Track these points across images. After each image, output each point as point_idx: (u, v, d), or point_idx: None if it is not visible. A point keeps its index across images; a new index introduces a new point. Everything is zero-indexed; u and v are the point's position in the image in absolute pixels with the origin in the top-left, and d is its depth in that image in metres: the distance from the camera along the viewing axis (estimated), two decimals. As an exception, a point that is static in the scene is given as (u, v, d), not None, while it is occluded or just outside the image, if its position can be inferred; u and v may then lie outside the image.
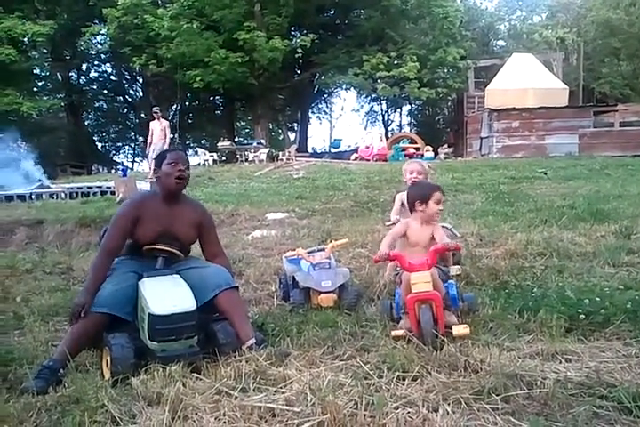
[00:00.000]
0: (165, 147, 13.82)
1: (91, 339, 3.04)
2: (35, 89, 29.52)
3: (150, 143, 14.09)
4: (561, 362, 2.72)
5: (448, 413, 2.22)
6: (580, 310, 3.27)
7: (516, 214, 7.40)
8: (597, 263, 4.75)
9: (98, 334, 3.00)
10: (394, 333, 3.15)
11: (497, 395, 2.35)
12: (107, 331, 2.98)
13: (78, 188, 13.91)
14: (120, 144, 41.27)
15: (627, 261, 4.79)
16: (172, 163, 3.31)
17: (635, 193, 8.79)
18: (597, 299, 3.39)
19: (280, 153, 23.00)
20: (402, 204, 4.50)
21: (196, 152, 28.65)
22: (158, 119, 14.18)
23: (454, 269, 4.13)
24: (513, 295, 3.82)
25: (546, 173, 12.81)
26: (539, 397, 2.33)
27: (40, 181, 14.51)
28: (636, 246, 5.18)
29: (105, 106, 37.76)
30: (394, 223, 4.43)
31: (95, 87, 35.48)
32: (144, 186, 11.89)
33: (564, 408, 2.21)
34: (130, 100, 36.80)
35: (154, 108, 15.05)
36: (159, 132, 13.97)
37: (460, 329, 3.06)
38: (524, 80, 21.43)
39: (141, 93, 35.07)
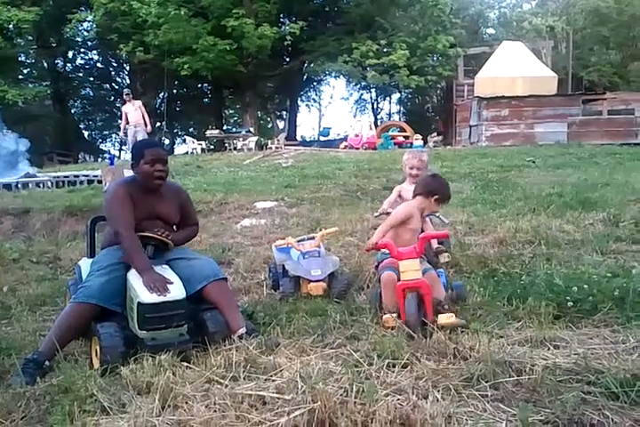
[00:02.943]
0: (148, 129, 13.63)
1: (79, 331, 3.03)
2: (20, 76, 29.20)
3: (124, 127, 13.81)
4: (549, 349, 2.74)
5: (438, 400, 2.24)
6: (568, 298, 3.29)
7: (505, 202, 7.42)
8: (585, 251, 4.78)
9: (86, 326, 2.99)
10: (385, 317, 3.16)
11: (486, 382, 2.37)
12: (95, 321, 2.96)
13: (65, 176, 13.80)
14: (107, 132, 41.02)
15: (614, 248, 4.82)
16: (151, 162, 3.28)
17: (623, 181, 8.83)
18: (585, 286, 3.41)
19: (269, 141, 22.92)
20: (399, 196, 4.50)
21: (184, 140, 28.47)
22: (130, 101, 13.92)
23: (443, 257, 4.15)
24: (502, 283, 3.84)
25: (534, 162, 12.84)
26: (528, 383, 2.35)
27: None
28: (624, 234, 5.21)
29: (91, 94, 37.43)
30: (382, 213, 4.43)
31: (81, 75, 35.14)
32: (131, 174, 11.79)
33: (553, 395, 2.23)
34: (116, 87, 36.42)
35: (125, 90, 14.77)
36: (134, 113, 13.69)
37: (444, 318, 3.07)
38: (514, 68, 21.42)
39: (128, 81, 34.72)
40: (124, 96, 14.22)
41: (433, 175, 3.91)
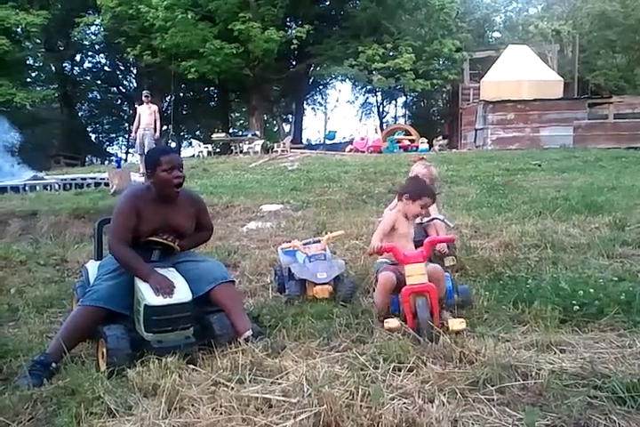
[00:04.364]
0: (157, 135, 13.65)
1: (86, 333, 3.05)
2: (28, 79, 29.35)
3: (137, 128, 13.81)
4: (555, 353, 2.74)
5: (444, 403, 2.24)
6: (574, 302, 3.29)
7: (511, 206, 7.42)
8: (591, 255, 4.77)
9: (93, 329, 3.00)
10: (387, 325, 3.15)
11: (492, 386, 2.37)
12: (102, 323, 2.97)
13: (72, 179, 13.84)
14: (114, 135, 41.11)
15: (620, 252, 4.81)
16: (169, 169, 3.18)
17: (629, 185, 8.82)
18: (591, 290, 3.41)
19: (275, 145, 22.92)
20: None
21: (191, 143, 28.58)
22: (147, 103, 13.91)
23: (448, 260, 4.14)
24: (507, 287, 3.84)
25: (540, 165, 12.81)
26: (534, 387, 2.35)
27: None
28: (630, 238, 5.20)
29: (99, 97, 37.57)
30: None
31: (89, 78, 35.23)
32: (138, 178, 11.84)
33: (559, 399, 2.23)
34: (124, 90, 36.62)
35: (144, 92, 14.68)
36: (147, 116, 13.69)
37: (456, 324, 3.06)
38: (520, 72, 21.38)
39: (135, 84, 34.84)
40: (143, 97, 14.15)
41: (409, 178, 3.92)
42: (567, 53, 28.34)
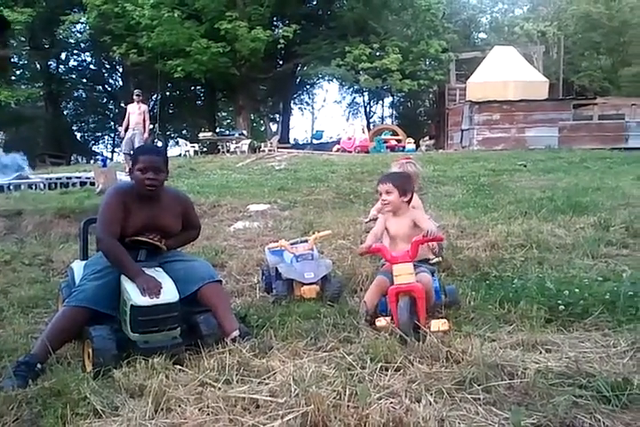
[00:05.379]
0: (145, 135, 13.58)
1: (72, 334, 3.01)
2: (13, 78, 29.12)
3: (126, 128, 13.71)
4: (541, 352, 2.76)
5: (430, 403, 2.25)
6: (559, 301, 3.32)
7: (497, 206, 7.45)
8: (576, 255, 4.81)
9: (79, 329, 2.98)
10: (378, 323, 3.16)
11: (478, 385, 2.38)
12: (88, 323, 2.95)
13: (57, 178, 13.72)
14: (99, 134, 40.86)
15: (605, 252, 4.85)
16: (142, 169, 3.21)
17: (613, 186, 8.90)
18: (577, 290, 3.44)
19: (262, 144, 22.90)
20: None
21: (177, 143, 28.39)
22: (138, 103, 13.82)
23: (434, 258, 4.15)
24: (494, 286, 3.86)
25: (525, 166, 12.89)
26: (519, 387, 2.36)
27: (22, 169, 14.30)
28: (615, 238, 5.25)
29: (84, 95, 37.36)
30: (371, 220, 4.43)
31: (74, 76, 35.02)
32: (124, 177, 11.77)
33: (545, 398, 2.24)
34: (109, 89, 36.44)
35: (135, 91, 14.57)
36: (137, 116, 13.61)
37: (438, 325, 3.08)
38: (505, 73, 21.50)
39: (121, 83, 34.69)
40: (134, 96, 14.04)
41: None
42: (552, 55, 28.54)
